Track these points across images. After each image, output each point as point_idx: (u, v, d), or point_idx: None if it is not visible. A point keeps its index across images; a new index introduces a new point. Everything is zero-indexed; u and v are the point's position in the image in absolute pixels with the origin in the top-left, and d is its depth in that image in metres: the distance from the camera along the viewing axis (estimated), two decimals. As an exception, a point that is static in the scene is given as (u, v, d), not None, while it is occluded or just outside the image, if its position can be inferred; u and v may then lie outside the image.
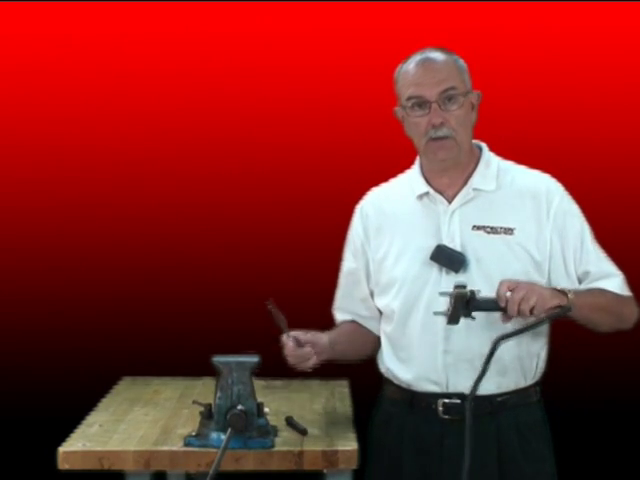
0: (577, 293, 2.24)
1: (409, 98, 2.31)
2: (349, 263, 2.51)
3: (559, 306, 2.18)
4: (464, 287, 2.18)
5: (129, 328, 3.48)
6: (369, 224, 2.47)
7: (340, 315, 2.54)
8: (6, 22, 3.50)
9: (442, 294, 2.22)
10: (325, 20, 3.46)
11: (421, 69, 2.31)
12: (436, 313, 2.23)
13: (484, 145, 2.44)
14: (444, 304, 2.29)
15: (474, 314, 2.20)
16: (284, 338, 2.33)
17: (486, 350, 2.27)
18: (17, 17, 3.49)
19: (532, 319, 2.17)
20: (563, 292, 2.21)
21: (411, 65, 2.33)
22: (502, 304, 2.16)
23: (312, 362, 2.35)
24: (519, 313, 2.15)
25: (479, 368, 2.26)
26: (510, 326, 2.20)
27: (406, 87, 2.32)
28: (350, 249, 2.51)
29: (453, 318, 2.20)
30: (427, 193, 2.39)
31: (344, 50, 3.44)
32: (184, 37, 3.49)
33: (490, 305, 2.19)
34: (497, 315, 2.21)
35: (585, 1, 3.42)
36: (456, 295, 2.18)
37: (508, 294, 2.15)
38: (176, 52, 3.49)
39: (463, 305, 2.18)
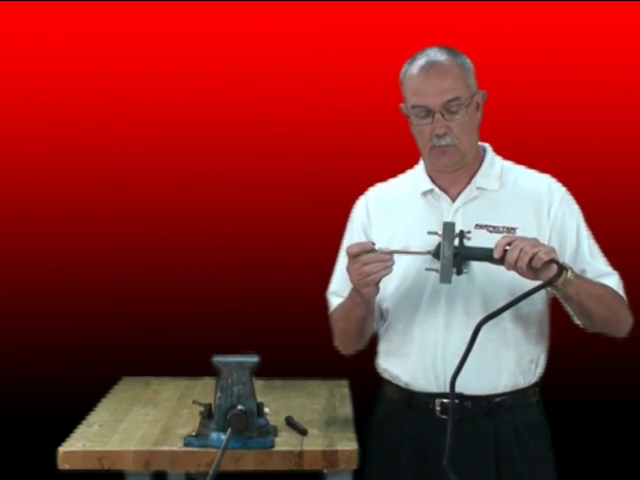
0: (577, 274, 2.23)
1: (413, 106, 2.30)
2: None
3: (556, 262, 2.14)
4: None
5: (129, 328, 3.49)
6: (372, 213, 2.45)
7: (336, 299, 2.48)
8: (6, 22, 3.50)
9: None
10: (326, 20, 3.47)
11: (425, 76, 2.28)
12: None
13: (488, 146, 2.44)
14: (444, 299, 2.29)
15: (466, 269, 2.18)
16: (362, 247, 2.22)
17: (486, 350, 2.29)
18: (17, 17, 3.49)
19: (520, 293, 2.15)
20: (565, 265, 2.19)
21: (415, 70, 2.30)
22: (497, 254, 2.14)
23: (387, 272, 2.22)
24: (516, 264, 2.12)
25: (478, 367, 2.27)
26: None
27: (410, 94, 2.31)
28: (351, 233, 2.48)
29: (444, 269, 2.15)
30: (431, 190, 2.39)
31: (346, 50, 3.45)
32: (184, 37, 3.49)
33: (483, 254, 2.17)
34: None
35: (587, 1, 3.42)
36: (445, 224, 2.17)
37: (508, 247, 2.14)
38: (176, 52, 3.49)
39: (453, 244, 2.15)
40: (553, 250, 2.16)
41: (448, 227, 2.18)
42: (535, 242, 2.16)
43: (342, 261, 2.47)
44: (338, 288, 2.48)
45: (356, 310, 2.35)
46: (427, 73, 2.29)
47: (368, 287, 2.24)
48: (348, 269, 2.24)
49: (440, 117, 2.27)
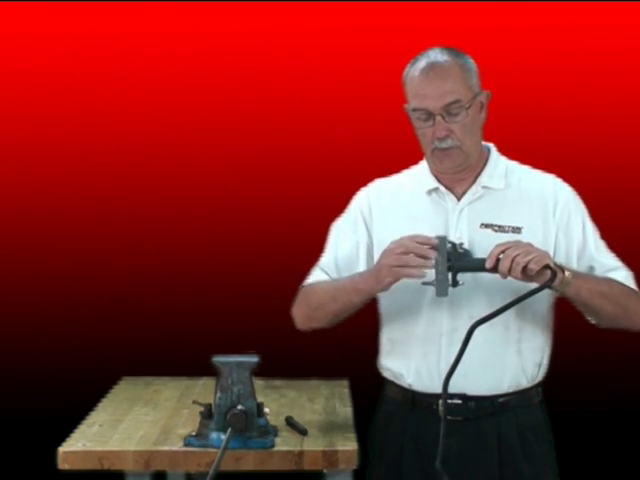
0: (577, 274, 2.23)
1: (414, 109, 2.30)
2: (348, 233, 2.44)
3: (550, 268, 2.14)
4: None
5: (129, 328, 3.49)
6: (374, 206, 2.43)
7: (319, 274, 2.44)
8: (6, 22, 3.50)
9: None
10: (328, 20, 3.47)
11: (425, 79, 2.28)
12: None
13: (492, 145, 2.43)
14: (447, 300, 2.29)
15: (461, 281, 2.19)
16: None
17: (490, 350, 2.28)
18: (17, 17, 3.49)
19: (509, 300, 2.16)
20: (561, 267, 2.20)
21: (416, 73, 2.30)
22: (489, 264, 2.15)
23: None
24: (510, 273, 2.13)
25: (482, 368, 2.27)
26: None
27: (411, 96, 2.31)
28: (348, 216, 2.45)
29: (440, 282, 2.16)
30: (436, 189, 2.38)
31: (347, 50, 3.45)
32: (184, 37, 3.49)
33: (477, 264, 2.18)
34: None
35: (589, 1, 3.42)
36: (437, 239, 2.17)
37: (501, 255, 2.14)
38: (176, 52, 3.49)
39: (447, 257, 2.16)
40: (546, 255, 2.16)
41: (441, 241, 2.19)
42: (528, 248, 2.16)
43: (334, 239, 2.46)
44: (325, 264, 2.45)
45: (352, 296, 2.32)
46: (427, 76, 2.28)
47: (392, 279, 2.21)
48: (387, 251, 2.22)
49: (441, 120, 2.26)
